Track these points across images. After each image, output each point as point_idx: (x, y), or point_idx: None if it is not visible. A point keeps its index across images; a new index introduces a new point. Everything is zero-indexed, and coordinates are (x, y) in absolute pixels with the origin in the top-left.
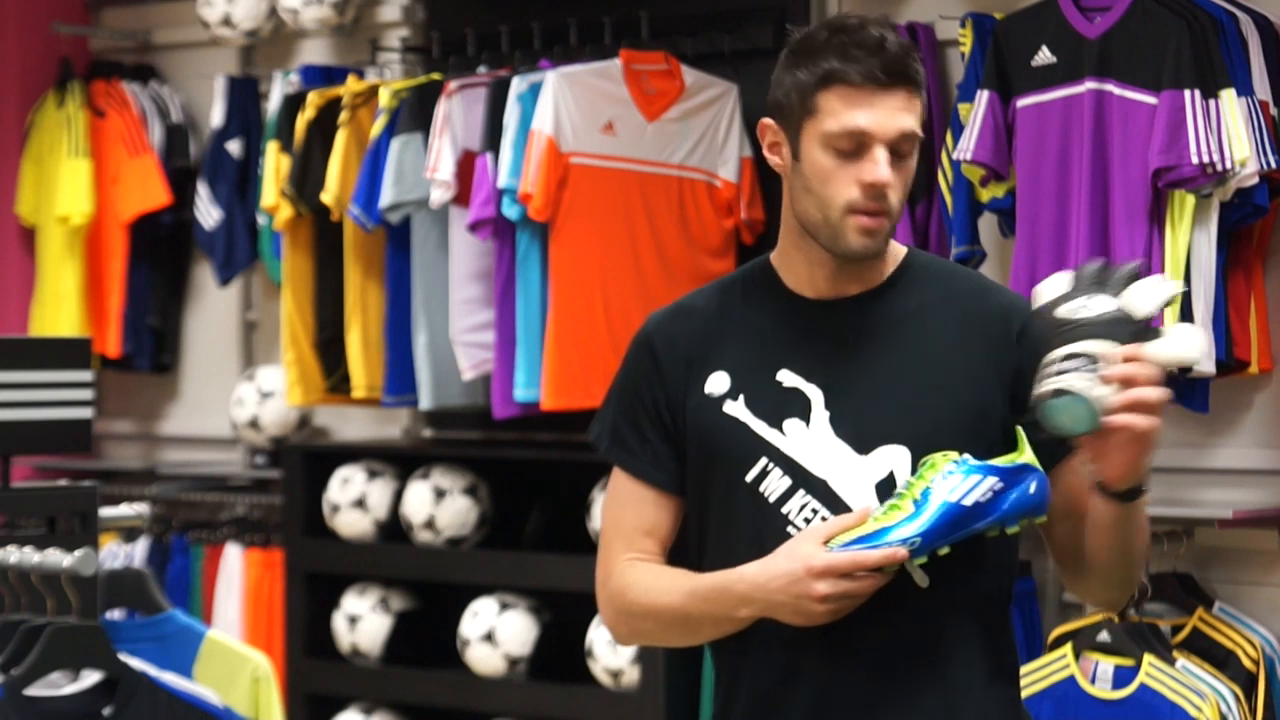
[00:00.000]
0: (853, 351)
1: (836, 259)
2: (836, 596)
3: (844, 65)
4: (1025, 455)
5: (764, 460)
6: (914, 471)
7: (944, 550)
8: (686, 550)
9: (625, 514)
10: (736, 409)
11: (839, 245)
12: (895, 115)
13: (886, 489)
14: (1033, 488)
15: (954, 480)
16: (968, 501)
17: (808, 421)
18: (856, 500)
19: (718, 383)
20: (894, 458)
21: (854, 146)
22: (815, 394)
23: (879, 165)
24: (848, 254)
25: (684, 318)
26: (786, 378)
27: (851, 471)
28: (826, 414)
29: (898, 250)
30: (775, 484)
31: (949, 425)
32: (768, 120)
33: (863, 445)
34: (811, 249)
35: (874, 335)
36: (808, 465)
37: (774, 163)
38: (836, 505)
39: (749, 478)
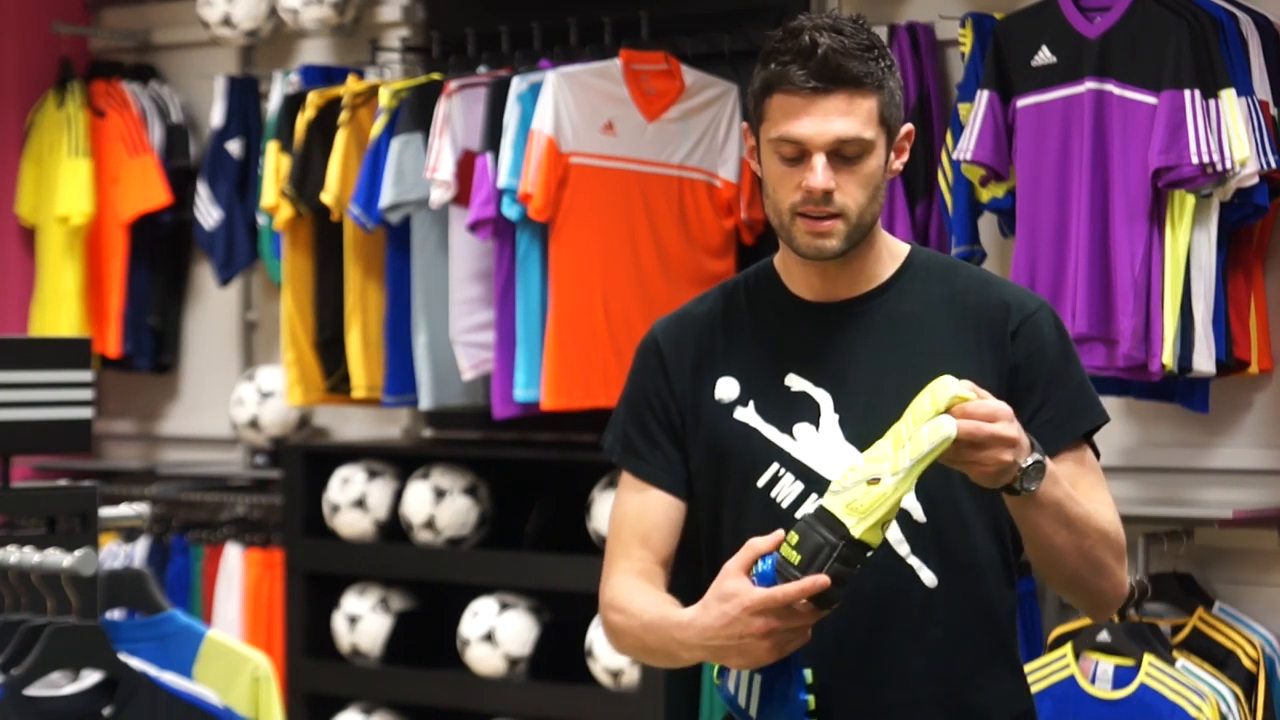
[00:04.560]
0: (858, 353)
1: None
2: (781, 631)
3: (781, 71)
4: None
5: (775, 466)
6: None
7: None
8: (691, 554)
9: (627, 522)
10: (747, 415)
11: (794, 247)
12: (830, 121)
13: None
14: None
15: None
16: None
17: (817, 426)
18: None
19: (727, 389)
20: None
21: (796, 153)
22: (824, 398)
23: (815, 172)
24: (803, 255)
25: (689, 324)
26: (795, 382)
27: None
28: (836, 417)
29: (899, 249)
30: (787, 489)
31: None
32: (745, 125)
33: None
34: None
35: (878, 336)
36: (819, 469)
37: (753, 166)
38: None
39: (760, 483)
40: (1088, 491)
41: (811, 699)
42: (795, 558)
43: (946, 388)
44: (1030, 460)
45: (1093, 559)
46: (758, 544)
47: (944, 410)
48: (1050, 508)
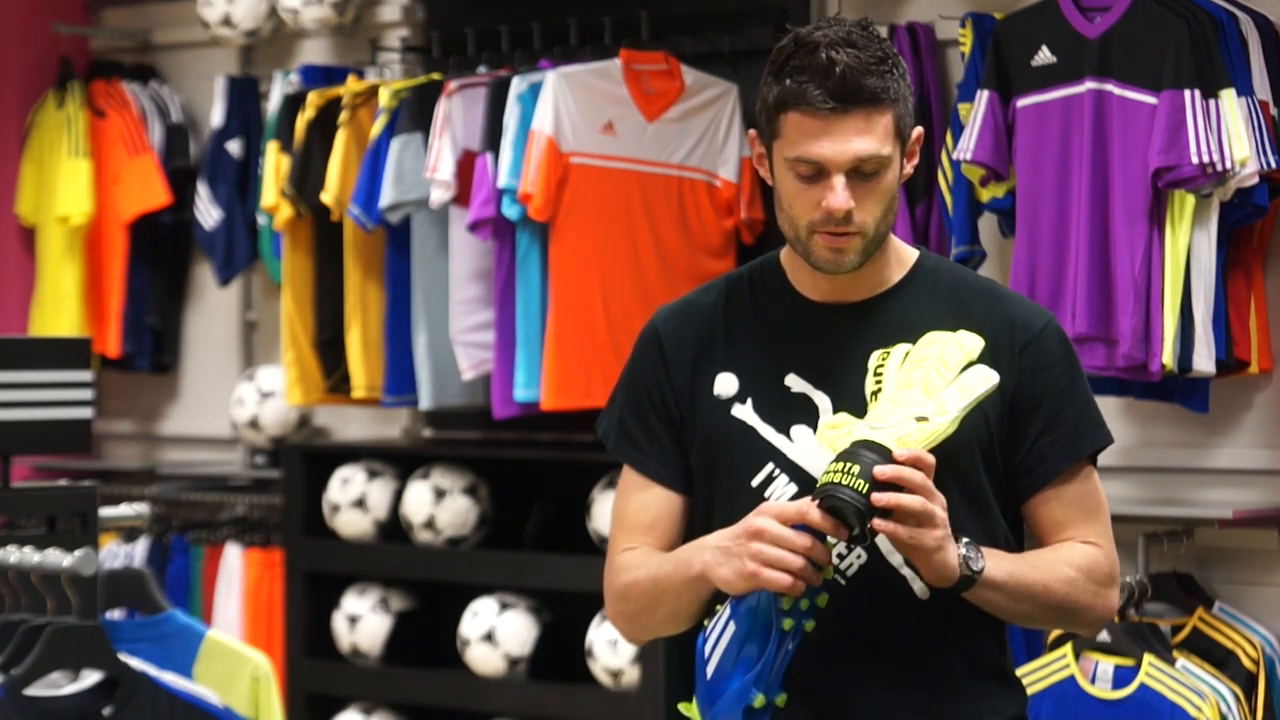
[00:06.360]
0: (861, 358)
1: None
2: (771, 538)
3: (798, 90)
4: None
5: (770, 466)
6: None
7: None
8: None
9: (629, 512)
10: (744, 413)
11: (811, 260)
12: (849, 141)
13: None
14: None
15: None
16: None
17: (815, 429)
18: None
19: (726, 384)
20: None
21: (814, 172)
22: (823, 401)
23: (836, 193)
24: (819, 269)
25: (692, 315)
26: (794, 383)
27: None
28: None
29: (908, 254)
30: (781, 490)
31: (952, 435)
32: (753, 132)
33: None
34: None
35: (881, 341)
36: (815, 473)
37: (762, 173)
38: None
39: (755, 482)
40: (1081, 522)
41: (759, 699)
42: (861, 485)
43: (975, 339)
44: (964, 546)
45: (1064, 610)
46: (812, 516)
47: (975, 361)
48: (1005, 585)
